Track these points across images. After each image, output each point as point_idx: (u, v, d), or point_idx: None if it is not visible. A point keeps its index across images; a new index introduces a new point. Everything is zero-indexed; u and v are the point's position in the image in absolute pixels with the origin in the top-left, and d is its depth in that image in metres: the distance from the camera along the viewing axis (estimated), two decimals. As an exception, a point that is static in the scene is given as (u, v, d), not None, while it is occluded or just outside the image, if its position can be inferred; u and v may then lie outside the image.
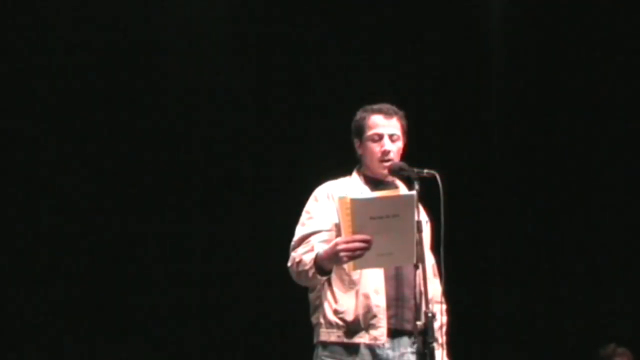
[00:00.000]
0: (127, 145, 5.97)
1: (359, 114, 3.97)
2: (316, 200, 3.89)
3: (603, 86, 6.55)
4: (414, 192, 3.56)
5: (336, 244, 3.50)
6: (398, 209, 3.45)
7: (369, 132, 3.90)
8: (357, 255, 3.46)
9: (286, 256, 3.80)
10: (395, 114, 3.92)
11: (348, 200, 3.43)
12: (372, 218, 3.43)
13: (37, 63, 5.84)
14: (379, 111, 3.91)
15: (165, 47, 6.09)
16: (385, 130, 3.88)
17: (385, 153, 3.86)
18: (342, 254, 3.46)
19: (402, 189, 3.92)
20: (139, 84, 6.02)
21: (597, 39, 6.54)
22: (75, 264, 5.83)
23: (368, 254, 3.46)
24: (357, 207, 3.42)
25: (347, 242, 3.45)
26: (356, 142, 3.97)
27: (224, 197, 6.14)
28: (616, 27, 6.53)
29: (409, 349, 3.76)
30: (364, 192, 3.86)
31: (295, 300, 4.09)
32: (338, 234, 3.63)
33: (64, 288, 5.78)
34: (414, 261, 3.56)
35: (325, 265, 3.61)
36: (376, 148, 3.88)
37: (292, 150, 6.22)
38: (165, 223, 6.01)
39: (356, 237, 3.43)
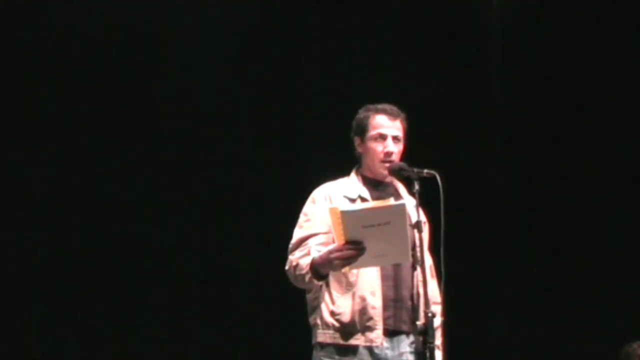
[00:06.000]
0: (126, 146, 5.98)
1: (362, 113, 3.96)
2: (314, 202, 3.89)
3: (604, 85, 6.54)
4: (403, 202, 3.60)
5: (330, 252, 3.56)
6: (389, 218, 3.48)
7: (372, 132, 3.89)
8: (351, 262, 3.51)
9: (285, 256, 3.80)
10: (399, 115, 3.92)
11: (338, 212, 3.46)
12: (363, 227, 3.46)
13: (36, 62, 5.85)
14: (384, 111, 3.91)
15: (165, 48, 6.09)
16: (389, 131, 3.88)
17: (388, 154, 3.86)
18: (336, 262, 3.53)
19: (402, 191, 3.93)
20: (139, 87, 6.02)
21: (598, 37, 6.53)
22: (74, 264, 5.83)
23: (362, 257, 3.51)
24: (348, 218, 3.46)
25: (340, 250, 3.51)
26: (356, 141, 3.96)
27: (224, 197, 6.14)
28: (617, 25, 6.52)
29: (408, 349, 3.77)
30: (361, 193, 3.87)
31: (295, 300, 4.09)
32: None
33: (64, 288, 5.78)
34: (409, 258, 3.61)
35: (321, 270, 3.65)
36: (378, 148, 3.87)
37: (290, 152, 6.21)
38: (166, 223, 6.01)
39: (349, 246, 3.48)
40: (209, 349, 6.01)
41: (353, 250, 3.49)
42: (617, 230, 6.43)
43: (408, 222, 3.61)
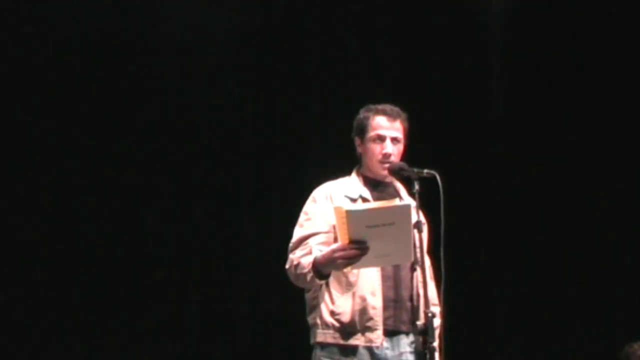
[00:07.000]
0: (127, 147, 5.98)
1: (362, 113, 3.96)
2: (314, 201, 3.89)
3: (603, 85, 6.54)
4: (409, 203, 3.60)
5: (333, 251, 3.55)
6: (393, 218, 3.48)
7: (372, 133, 3.90)
8: (354, 261, 3.51)
9: (286, 256, 3.81)
10: (399, 116, 3.92)
11: (343, 211, 3.46)
12: (367, 227, 3.46)
13: (34, 62, 5.84)
14: (383, 112, 3.91)
15: (165, 47, 6.09)
16: (388, 132, 3.88)
17: (387, 156, 3.86)
18: (339, 261, 3.53)
19: (402, 192, 3.94)
20: (141, 86, 6.02)
21: (599, 37, 6.54)
22: (76, 264, 5.83)
23: (365, 257, 3.51)
24: (352, 217, 3.46)
25: (344, 250, 3.51)
26: (357, 141, 3.97)
27: (224, 197, 6.14)
28: (617, 25, 6.52)
29: (408, 349, 3.77)
30: (362, 193, 3.87)
31: (295, 300, 4.09)
32: (336, 235, 3.64)
33: (65, 288, 5.79)
34: (412, 259, 3.62)
35: (323, 269, 3.65)
36: (377, 149, 3.88)
37: (291, 151, 6.21)
38: (166, 224, 6.01)
39: (352, 245, 3.48)
40: (209, 348, 6.01)
41: (356, 250, 3.49)
42: (617, 230, 6.43)
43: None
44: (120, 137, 5.99)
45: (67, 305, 5.75)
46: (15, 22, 5.85)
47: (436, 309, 3.82)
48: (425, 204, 3.81)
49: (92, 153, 5.94)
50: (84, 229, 5.88)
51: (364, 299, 3.73)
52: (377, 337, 3.71)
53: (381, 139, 3.87)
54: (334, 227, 3.68)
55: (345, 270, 3.65)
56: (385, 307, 3.74)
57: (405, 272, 3.79)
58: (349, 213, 3.45)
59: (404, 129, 3.93)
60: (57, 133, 5.88)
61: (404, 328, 3.77)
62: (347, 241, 3.50)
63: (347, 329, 3.73)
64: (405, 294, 3.77)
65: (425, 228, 3.84)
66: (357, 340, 3.71)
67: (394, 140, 3.87)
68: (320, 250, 3.66)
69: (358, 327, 3.72)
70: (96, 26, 5.95)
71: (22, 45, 5.84)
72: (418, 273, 3.72)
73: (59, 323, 5.74)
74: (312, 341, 3.84)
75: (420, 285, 3.70)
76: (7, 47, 5.82)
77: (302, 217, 3.88)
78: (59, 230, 5.81)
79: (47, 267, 5.76)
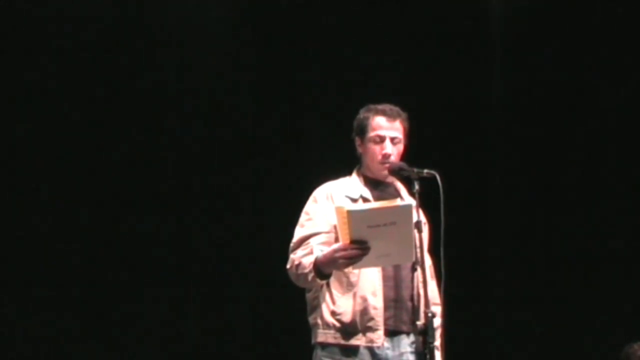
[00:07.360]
0: (125, 146, 5.97)
1: (362, 113, 3.97)
2: (315, 201, 3.90)
3: (603, 86, 6.54)
4: (411, 203, 3.61)
5: (334, 251, 3.56)
6: (395, 218, 3.49)
7: (371, 133, 3.90)
8: (355, 261, 3.51)
9: (286, 256, 3.81)
10: (399, 116, 3.92)
11: (345, 211, 3.46)
12: (369, 226, 3.47)
13: (32, 61, 5.84)
14: (383, 113, 3.91)
15: (164, 46, 6.09)
16: (388, 133, 3.88)
17: (386, 156, 3.87)
18: (340, 261, 3.54)
19: (402, 192, 3.94)
20: (139, 82, 6.01)
21: (599, 36, 6.54)
22: (73, 263, 5.83)
23: (366, 257, 3.52)
24: (354, 217, 3.46)
25: (345, 249, 3.52)
26: (357, 141, 3.98)
27: (224, 197, 6.13)
28: (618, 26, 6.52)
29: (409, 349, 3.78)
30: (363, 193, 3.88)
31: (295, 300, 4.09)
32: (337, 235, 3.65)
33: (63, 288, 5.78)
34: (413, 259, 3.63)
35: (324, 269, 3.65)
36: (377, 149, 3.88)
37: (291, 151, 6.21)
38: (165, 223, 6.01)
39: (353, 245, 3.49)
40: (208, 348, 6.01)
41: (358, 250, 3.50)
42: (617, 230, 6.43)
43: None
44: (120, 137, 5.98)
45: (65, 306, 5.75)
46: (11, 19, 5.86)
47: (437, 309, 3.83)
48: (425, 204, 3.82)
49: (90, 153, 5.93)
50: (83, 229, 5.87)
51: (365, 299, 3.73)
52: (378, 337, 3.72)
53: (381, 139, 3.88)
54: (335, 227, 3.69)
55: (346, 270, 3.66)
56: (386, 307, 3.74)
57: (405, 272, 3.79)
58: (350, 213, 3.46)
59: (404, 129, 3.93)
60: (57, 132, 5.87)
61: (404, 328, 3.77)
62: (348, 241, 3.50)
63: (348, 329, 3.73)
64: (405, 294, 3.78)
65: (425, 228, 3.85)
66: (358, 341, 3.72)
67: (394, 140, 3.88)
68: (322, 250, 3.67)
69: (359, 327, 3.72)
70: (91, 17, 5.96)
71: (21, 42, 5.85)
72: (419, 273, 3.72)
73: (58, 323, 5.74)
74: (313, 341, 3.84)
75: (421, 285, 3.71)
76: (5, 44, 5.83)
77: (303, 217, 3.88)
78: (58, 231, 5.80)
79: (46, 267, 5.75)
